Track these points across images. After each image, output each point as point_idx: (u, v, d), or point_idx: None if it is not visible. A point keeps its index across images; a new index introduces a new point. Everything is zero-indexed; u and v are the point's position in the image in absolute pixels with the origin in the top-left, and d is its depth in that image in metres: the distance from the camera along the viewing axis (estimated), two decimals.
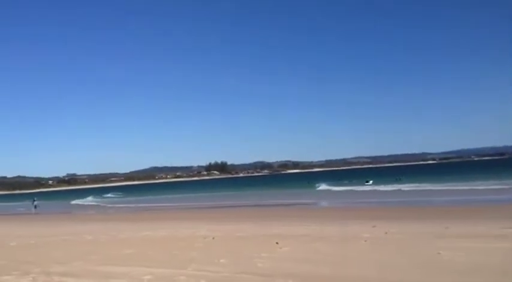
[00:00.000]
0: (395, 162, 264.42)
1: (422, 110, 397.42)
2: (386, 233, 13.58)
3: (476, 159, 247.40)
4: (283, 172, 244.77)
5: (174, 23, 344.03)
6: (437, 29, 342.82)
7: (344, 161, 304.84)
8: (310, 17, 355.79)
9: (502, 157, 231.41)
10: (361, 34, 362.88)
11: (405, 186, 48.48)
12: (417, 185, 49.98)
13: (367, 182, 65.29)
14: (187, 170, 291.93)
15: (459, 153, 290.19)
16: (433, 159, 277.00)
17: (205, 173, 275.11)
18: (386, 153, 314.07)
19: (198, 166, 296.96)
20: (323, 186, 63.51)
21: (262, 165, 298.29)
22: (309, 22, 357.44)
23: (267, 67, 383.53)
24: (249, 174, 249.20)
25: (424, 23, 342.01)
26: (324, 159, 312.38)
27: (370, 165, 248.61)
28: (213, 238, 14.01)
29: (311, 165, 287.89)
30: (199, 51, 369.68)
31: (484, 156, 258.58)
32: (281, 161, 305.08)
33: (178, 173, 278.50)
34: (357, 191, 49.73)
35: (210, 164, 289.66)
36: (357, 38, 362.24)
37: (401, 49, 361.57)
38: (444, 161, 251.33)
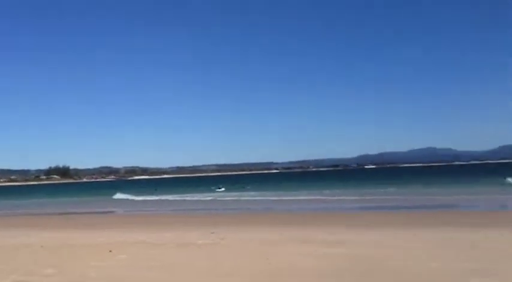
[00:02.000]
0: (243, 170, 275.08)
1: (269, 122, 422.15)
2: (222, 239, 13.98)
3: (314, 169, 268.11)
4: (129, 178, 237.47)
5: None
6: None
7: (194, 168, 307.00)
8: None
9: (335, 168, 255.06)
10: None
11: (249, 194, 50.31)
12: (260, 193, 52.21)
13: (219, 188, 66.33)
14: (23, 173, 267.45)
15: (301, 164, 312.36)
16: (277, 169, 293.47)
17: (44, 177, 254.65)
18: (234, 162, 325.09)
19: (37, 170, 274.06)
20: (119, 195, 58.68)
21: (109, 171, 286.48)
22: None
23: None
24: (93, 180, 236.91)
25: None
26: (175, 165, 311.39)
27: (219, 173, 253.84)
28: (42, 246, 13.12)
29: (160, 171, 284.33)
30: None
31: (321, 167, 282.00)
32: (129, 167, 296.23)
33: (12, 177, 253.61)
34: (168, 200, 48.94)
35: (50, 167, 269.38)
36: None
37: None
38: (286, 170, 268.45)
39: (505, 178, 45.70)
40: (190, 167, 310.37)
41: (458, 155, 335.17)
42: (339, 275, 8.13)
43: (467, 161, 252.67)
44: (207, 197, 50.42)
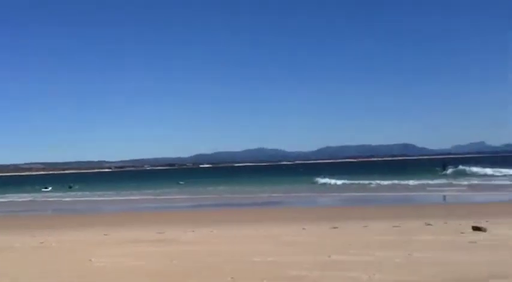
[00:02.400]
0: (71, 169, 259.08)
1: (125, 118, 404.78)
2: (42, 242, 13.10)
3: (148, 168, 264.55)
4: None
5: None
6: None
7: (15, 167, 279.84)
8: None
9: (171, 167, 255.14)
10: None
11: (76, 195, 47.90)
12: (88, 192, 50.04)
13: (45, 188, 62.69)
14: None
15: (135, 163, 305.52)
16: (109, 168, 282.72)
17: None
18: (63, 160, 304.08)
19: None
20: None
21: None
22: None
23: None
24: None
25: None
26: None
27: (43, 172, 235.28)
28: None
29: None
30: None
31: (157, 166, 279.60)
32: None
33: None
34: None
35: None
36: None
37: None
38: (119, 169, 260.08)
39: (315, 178, 50.62)
40: (10, 165, 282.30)
41: (286, 155, 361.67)
42: (159, 274, 8.19)
43: (293, 161, 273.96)
44: (28, 197, 46.75)
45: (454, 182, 39.61)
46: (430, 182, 40.28)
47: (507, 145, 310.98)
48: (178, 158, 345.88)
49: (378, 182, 42.74)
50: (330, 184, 45.98)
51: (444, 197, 28.96)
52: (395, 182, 41.90)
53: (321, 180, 48.80)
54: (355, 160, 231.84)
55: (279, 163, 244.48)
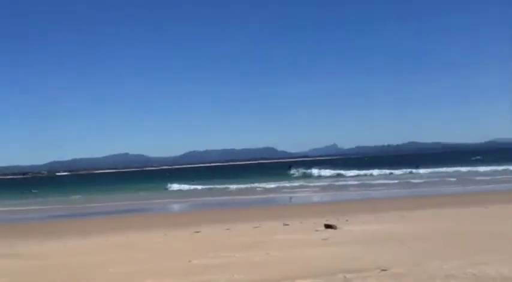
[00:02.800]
0: None
1: None
2: None
3: None
4: None
5: None
6: None
7: None
8: None
9: (24, 176, 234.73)
10: None
11: None
12: None
13: None
14: None
15: None
16: None
17: None
18: None
19: None
20: None
21: None
22: None
23: None
24: None
25: None
26: None
27: None
28: None
29: None
30: None
31: (8, 175, 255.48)
32: None
33: None
34: None
35: None
36: None
37: None
38: None
39: (168, 184, 49.70)
40: None
41: (151, 161, 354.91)
42: None
43: (158, 166, 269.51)
44: None
45: (305, 184, 42.08)
46: (287, 184, 42.22)
47: (358, 147, 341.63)
48: (33, 166, 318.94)
49: (236, 185, 43.45)
50: (182, 190, 45.23)
51: (290, 198, 30.53)
52: (253, 185, 43.05)
53: (175, 186, 47.98)
54: (220, 164, 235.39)
55: (144, 169, 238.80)
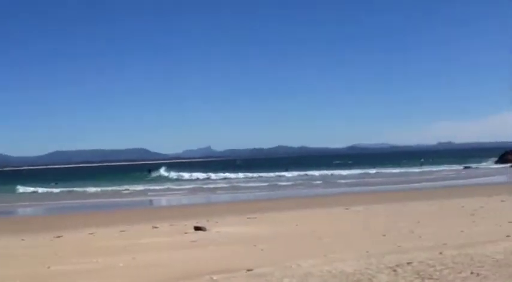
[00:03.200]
0: None
1: None
2: None
3: None
4: None
5: None
6: None
7: None
8: None
9: None
10: None
11: None
12: None
13: None
14: None
15: None
16: None
17: None
18: None
19: None
20: None
21: None
22: None
23: None
24: None
25: None
26: None
27: None
28: None
29: None
30: None
31: None
32: None
33: None
34: None
35: None
36: None
37: None
38: None
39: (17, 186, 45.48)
40: None
41: (11, 160, 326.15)
42: None
43: (19, 166, 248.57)
44: None
45: (173, 186, 41.52)
46: (157, 187, 41.06)
47: (230, 150, 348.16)
48: None
49: (101, 188, 41.65)
50: (36, 193, 41.91)
51: (151, 201, 30.12)
52: (120, 187, 41.50)
53: (25, 189, 44.10)
54: (88, 165, 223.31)
55: (3, 169, 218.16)
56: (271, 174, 53.22)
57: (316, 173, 52.12)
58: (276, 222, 14.28)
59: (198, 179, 52.98)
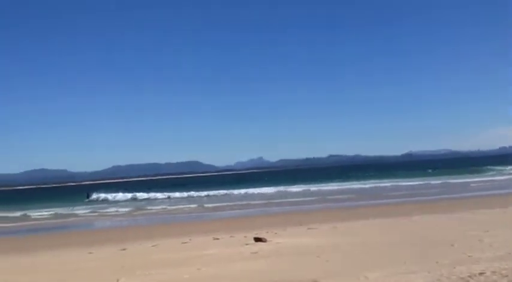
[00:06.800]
0: None
1: None
2: None
3: None
4: None
5: None
6: None
7: None
8: None
9: None
10: None
11: None
12: None
13: None
14: None
15: None
16: None
17: None
18: None
19: None
20: None
21: None
22: None
23: None
24: None
25: None
26: None
27: None
28: None
29: None
30: None
31: None
32: None
33: None
34: None
35: None
36: None
37: None
38: None
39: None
40: None
41: (72, 175, 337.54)
42: None
43: (80, 181, 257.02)
44: None
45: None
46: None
47: (283, 160, 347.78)
48: None
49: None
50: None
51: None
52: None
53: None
54: (144, 178, 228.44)
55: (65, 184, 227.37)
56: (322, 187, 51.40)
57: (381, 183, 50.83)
58: (337, 233, 14.07)
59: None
